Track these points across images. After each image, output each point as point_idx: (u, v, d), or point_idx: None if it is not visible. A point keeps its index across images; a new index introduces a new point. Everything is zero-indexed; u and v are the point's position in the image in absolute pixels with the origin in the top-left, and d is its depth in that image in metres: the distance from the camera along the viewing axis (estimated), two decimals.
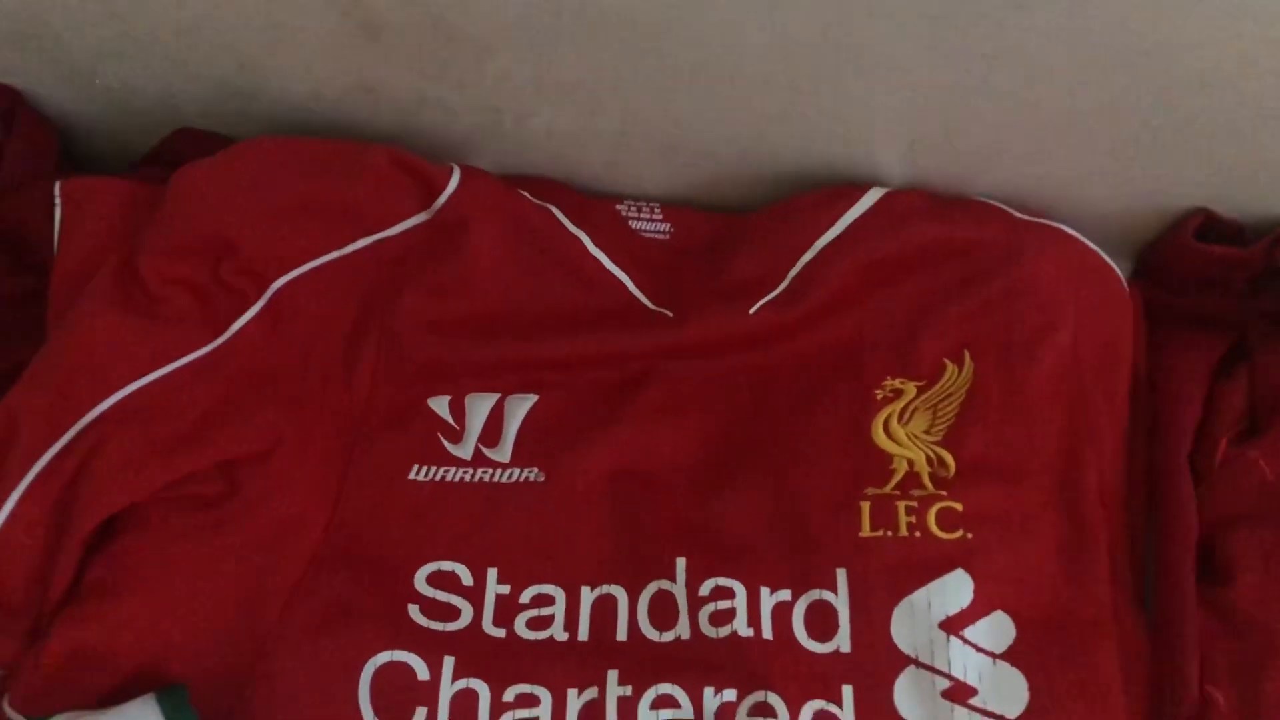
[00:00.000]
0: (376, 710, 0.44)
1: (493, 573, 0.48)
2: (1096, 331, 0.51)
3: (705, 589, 0.47)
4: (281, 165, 0.51)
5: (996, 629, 0.45)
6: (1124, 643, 0.46)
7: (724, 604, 0.46)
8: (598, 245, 0.54)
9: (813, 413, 0.50)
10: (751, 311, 0.52)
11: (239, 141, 0.52)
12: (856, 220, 0.53)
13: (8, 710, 0.44)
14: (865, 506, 0.47)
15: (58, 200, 0.51)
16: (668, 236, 0.57)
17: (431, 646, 0.46)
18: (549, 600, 0.47)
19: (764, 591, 0.46)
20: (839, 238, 0.52)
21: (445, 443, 0.50)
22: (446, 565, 0.48)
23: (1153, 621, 0.47)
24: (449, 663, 0.45)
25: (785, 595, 0.46)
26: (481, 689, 0.45)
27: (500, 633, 0.46)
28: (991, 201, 0.54)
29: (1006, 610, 0.46)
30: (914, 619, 0.45)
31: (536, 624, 0.47)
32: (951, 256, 0.52)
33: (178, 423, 0.47)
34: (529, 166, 0.57)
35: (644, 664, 0.45)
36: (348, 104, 0.54)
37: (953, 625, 0.45)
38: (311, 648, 0.45)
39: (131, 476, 0.46)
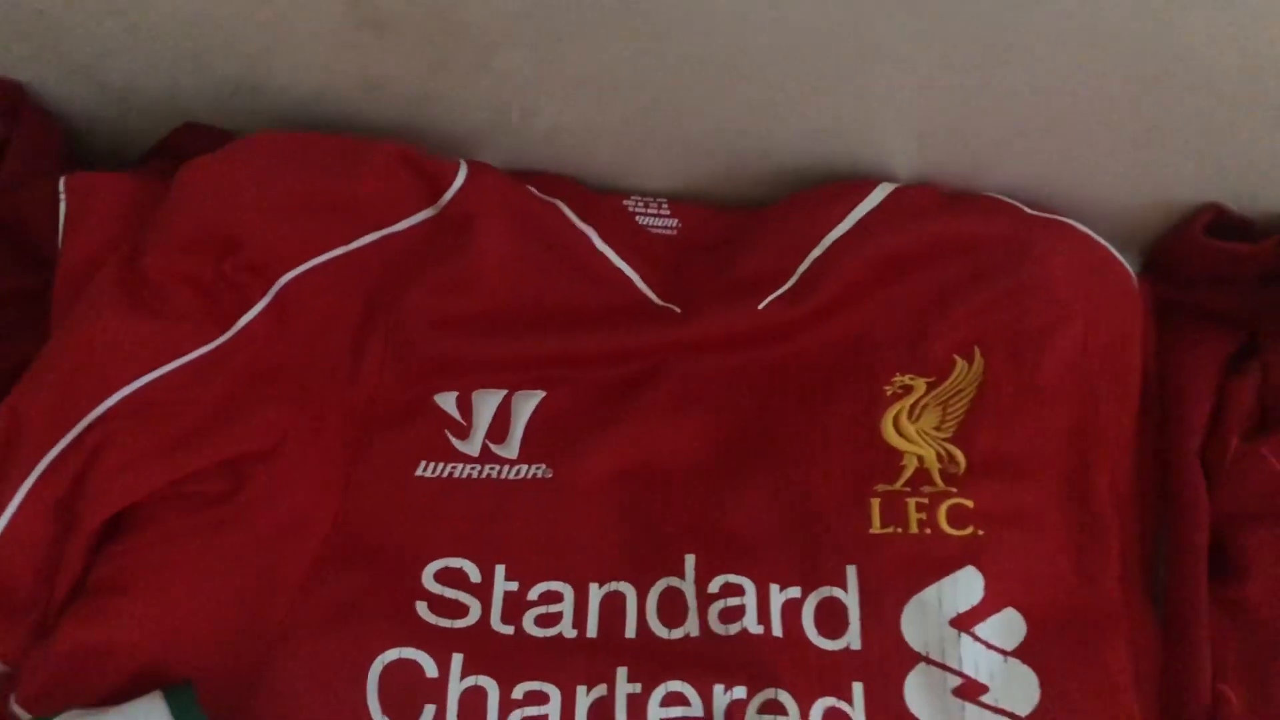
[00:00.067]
0: (384, 708, 0.44)
1: (500, 570, 0.47)
2: (1106, 328, 0.51)
3: (714, 586, 0.46)
4: (287, 161, 0.51)
5: (1007, 626, 0.45)
6: (1135, 640, 0.45)
7: (733, 601, 0.46)
8: (605, 241, 0.54)
9: (822, 409, 0.50)
10: (760, 307, 0.51)
11: (244, 137, 0.52)
12: (866, 216, 0.53)
13: (13, 708, 0.43)
14: (875, 503, 0.47)
15: (62, 196, 0.51)
16: (675, 232, 0.57)
17: (439, 644, 0.45)
18: (557, 597, 0.47)
19: (774, 588, 0.46)
20: (848, 233, 0.52)
21: (452, 439, 0.50)
22: (454, 562, 0.47)
23: (1164, 619, 0.46)
24: (457, 660, 0.45)
25: (795, 592, 0.46)
26: (490, 686, 0.45)
27: (508, 630, 0.46)
28: (1001, 197, 0.54)
29: (1017, 607, 0.45)
30: (924, 616, 0.45)
31: (545, 621, 0.46)
32: (961, 252, 0.51)
33: (183, 420, 0.47)
34: (535, 162, 0.57)
35: (653, 661, 0.45)
36: (353, 99, 0.54)
37: (963, 622, 0.45)
38: (319, 645, 0.45)
39: (136, 474, 0.45)
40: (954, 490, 0.47)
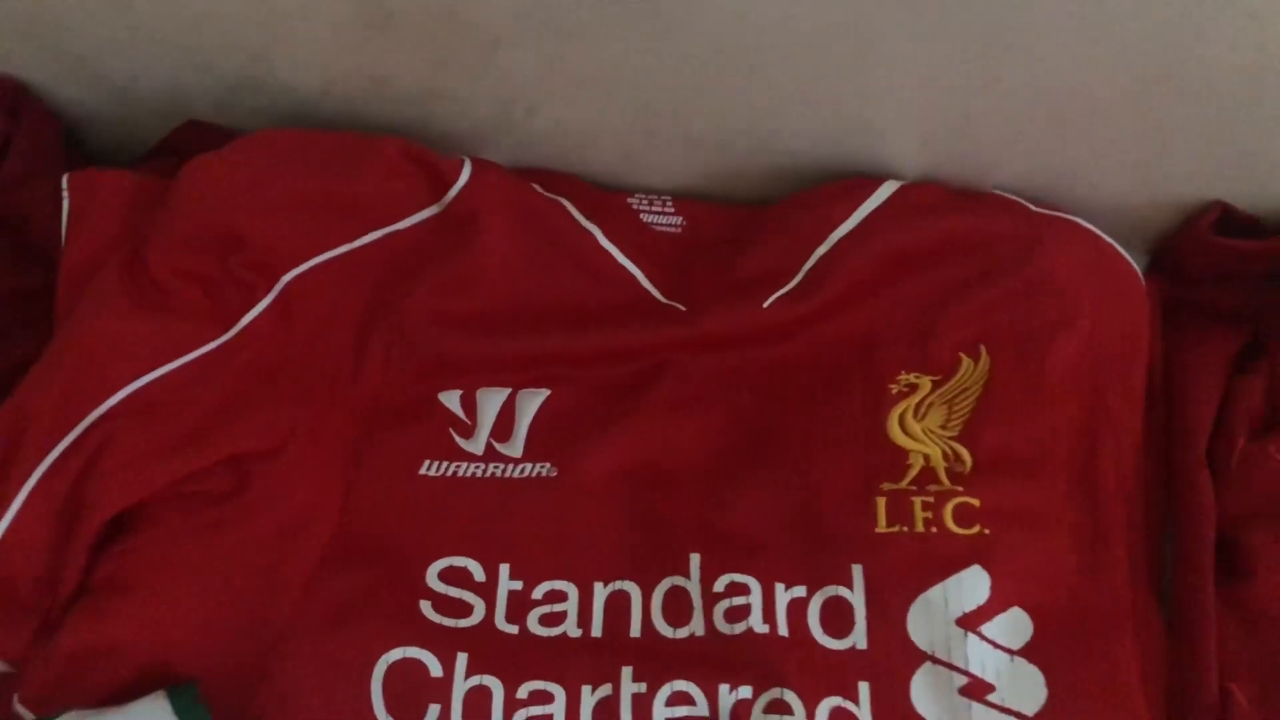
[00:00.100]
0: (389, 707, 0.44)
1: (505, 569, 0.47)
2: (1113, 326, 0.50)
3: (720, 585, 0.46)
4: (291, 158, 0.51)
5: (1014, 625, 0.45)
6: (1142, 639, 0.45)
7: (739, 600, 0.46)
8: (609, 239, 0.54)
9: (827, 407, 0.50)
10: (765, 305, 0.51)
11: (247, 134, 0.52)
12: (872, 213, 0.52)
13: (17, 708, 0.43)
14: (881, 502, 0.47)
15: (65, 193, 0.51)
16: (680, 230, 0.56)
17: (444, 643, 0.45)
18: (562, 596, 0.47)
19: (779, 588, 0.46)
20: (854, 231, 0.52)
21: (456, 437, 0.50)
22: (458, 561, 0.47)
23: (1172, 618, 0.46)
24: (462, 659, 0.45)
25: (800, 591, 0.46)
26: (495, 686, 0.45)
27: (513, 629, 0.46)
28: (1007, 195, 0.54)
29: (1024, 606, 0.45)
30: (931, 615, 0.45)
31: (549, 620, 0.46)
32: (967, 250, 0.51)
33: (186, 418, 0.47)
34: (540, 159, 0.56)
35: (658, 661, 0.45)
36: (357, 96, 0.54)
37: (970, 621, 0.45)
38: (323, 644, 0.45)
39: (140, 472, 0.45)
40: (960, 489, 0.47)
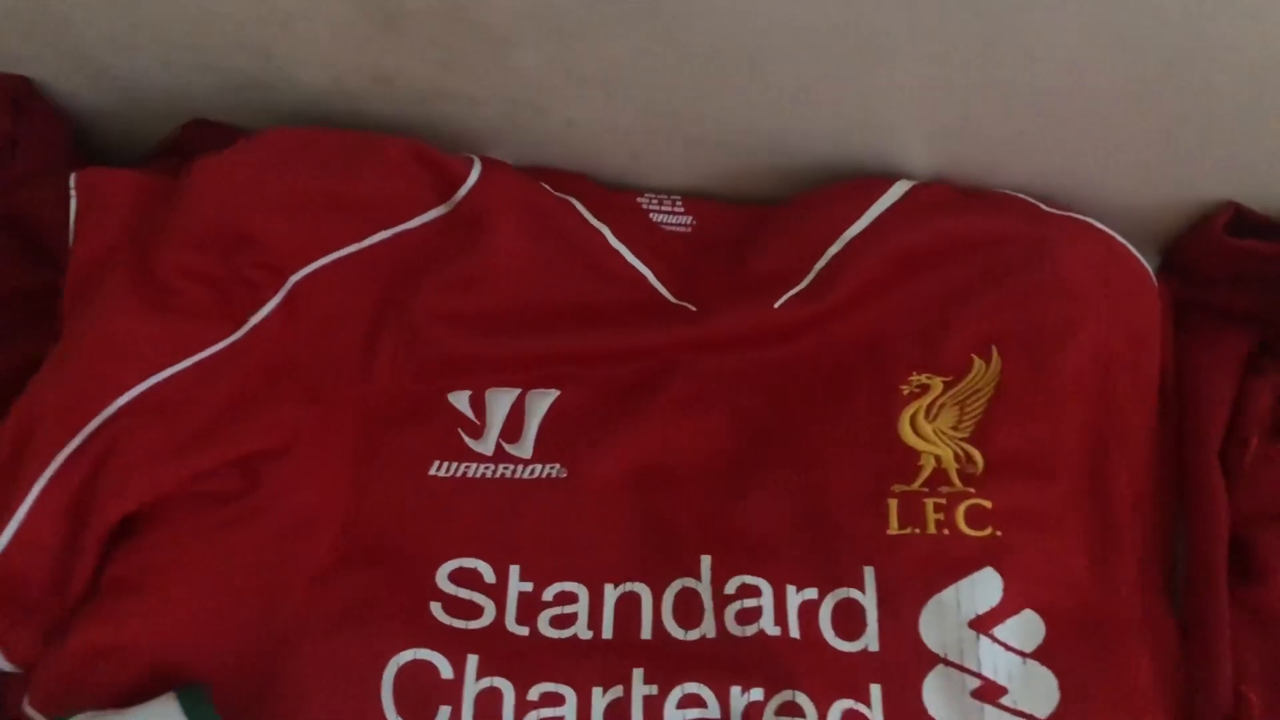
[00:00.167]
0: (399, 709, 0.44)
1: (515, 570, 0.47)
2: (1125, 326, 0.50)
3: (731, 587, 0.46)
4: (299, 157, 0.51)
5: (1026, 628, 0.45)
6: (1155, 641, 0.45)
7: (750, 602, 0.46)
8: (619, 238, 0.53)
9: (838, 408, 0.49)
10: (776, 306, 0.51)
11: (254, 133, 0.52)
12: (883, 213, 0.52)
13: (27, 709, 0.43)
14: (893, 504, 0.47)
15: (73, 192, 0.50)
16: (689, 229, 0.56)
17: (454, 645, 0.45)
18: (572, 598, 0.47)
19: (790, 590, 0.46)
20: (865, 231, 0.52)
21: (466, 438, 0.50)
22: (468, 562, 0.47)
23: (1185, 620, 0.46)
24: (472, 661, 0.45)
25: (812, 593, 0.46)
26: (505, 688, 0.44)
27: (523, 631, 0.46)
28: (1019, 195, 0.54)
29: (1036, 609, 0.45)
30: (943, 618, 0.45)
31: (560, 622, 0.46)
32: (979, 250, 0.51)
33: (195, 418, 0.47)
34: (549, 158, 0.56)
35: (669, 663, 0.45)
36: (365, 95, 0.54)
37: (982, 624, 0.45)
38: (333, 645, 0.45)
39: (149, 473, 0.45)
40: (972, 490, 0.47)
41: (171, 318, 0.48)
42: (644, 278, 0.53)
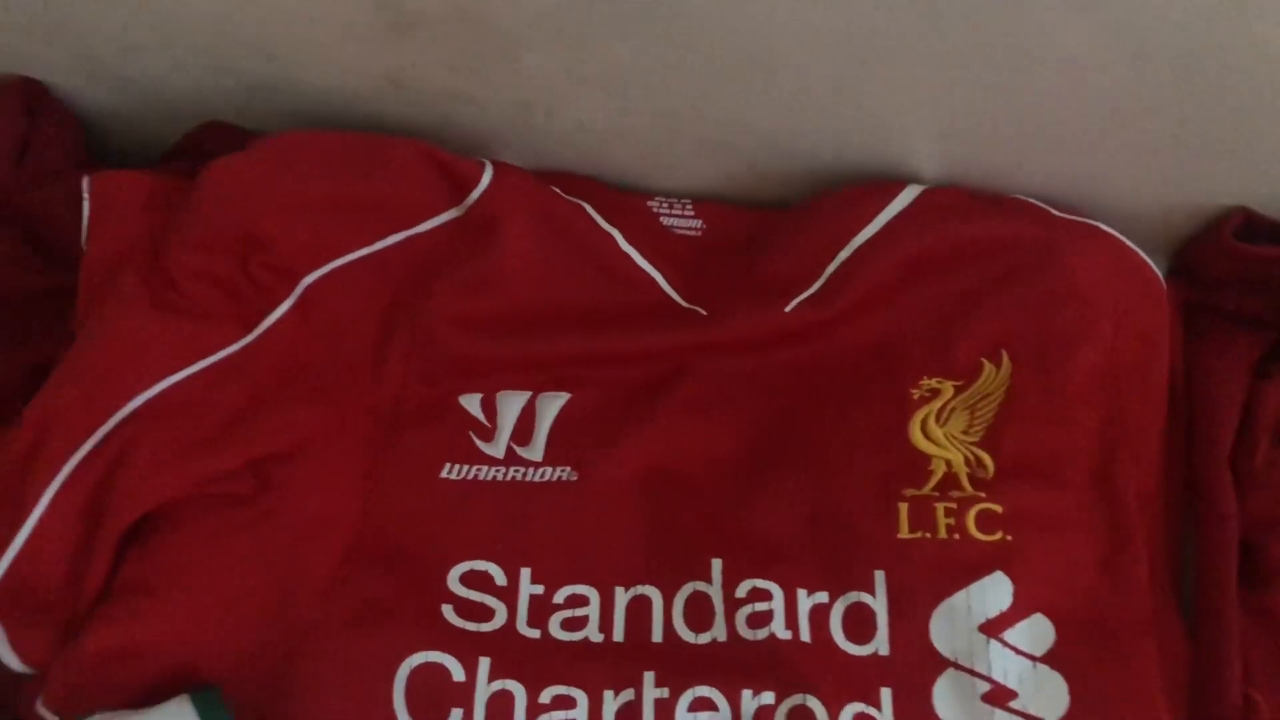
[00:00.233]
0: (412, 712, 0.44)
1: (526, 573, 0.47)
2: (1134, 331, 0.50)
3: (742, 591, 0.46)
4: (312, 160, 0.51)
5: (1036, 631, 0.45)
6: (1164, 645, 0.45)
7: (761, 606, 0.46)
8: (629, 242, 0.54)
9: (849, 413, 0.49)
10: (787, 310, 0.51)
11: (267, 135, 0.52)
12: (894, 218, 0.52)
13: (41, 710, 0.43)
14: (903, 508, 0.47)
15: (86, 195, 0.50)
16: (699, 233, 0.56)
17: (466, 647, 0.45)
18: (583, 601, 0.47)
19: (801, 593, 0.46)
20: (876, 235, 0.52)
21: (477, 441, 0.50)
22: (479, 565, 0.47)
23: (1194, 624, 0.46)
24: (484, 664, 0.45)
25: (823, 597, 0.46)
26: (517, 690, 0.45)
27: (535, 633, 0.46)
28: (1029, 199, 0.54)
29: (1046, 613, 0.45)
30: (953, 621, 0.45)
31: (571, 625, 0.46)
32: (989, 255, 0.51)
33: (209, 421, 0.47)
34: (560, 162, 0.56)
35: (681, 666, 0.45)
36: (378, 98, 0.54)
37: (992, 628, 0.45)
38: (345, 647, 0.45)
39: (163, 475, 0.45)
40: (982, 495, 0.47)
41: (184, 320, 0.48)
42: (654, 281, 0.53)
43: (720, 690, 0.44)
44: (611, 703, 0.45)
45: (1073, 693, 0.44)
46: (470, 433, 0.50)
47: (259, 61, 0.53)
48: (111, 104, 0.57)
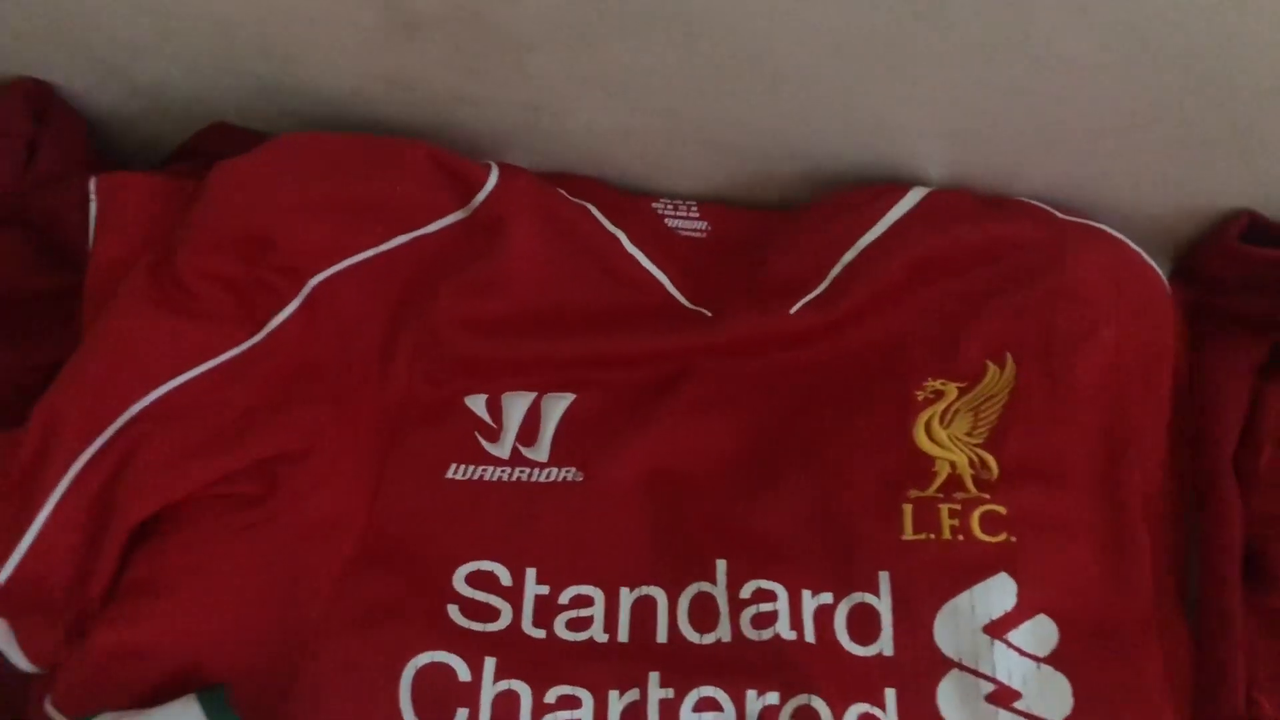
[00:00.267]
0: (418, 711, 0.44)
1: (531, 573, 0.47)
2: (1138, 334, 0.50)
3: (746, 591, 0.46)
4: (319, 161, 0.51)
5: (1040, 632, 0.45)
6: (1168, 647, 0.45)
7: (766, 606, 0.46)
8: (634, 243, 0.54)
9: (853, 414, 0.50)
10: (792, 311, 0.51)
11: (274, 137, 0.52)
12: (899, 220, 0.52)
13: (49, 710, 0.44)
14: (908, 509, 0.47)
15: (93, 196, 0.51)
16: (704, 234, 0.57)
17: (472, 647, 0.45)
18: (588, 601, 0.47)
19: (805, 594, 0.46)
20: (881, 237, 0.52)
21: (482, 441, 0.50)
22: (485, 565, 0.47)
23: (1198, 626, 0.46)
24: (490, 664, 0.45)
25: (827, 598, 0.46)
26: (523, 690, 0.45)
27: (540, 634, 0.46)
28: (1034, 201, 0.54)
29: (1050, 614, 0.45)
30: (957, 622, 0.45)
31: (576, 625, 0.46)
32: (994, 257, 0.51)
33: (216, 421, 0.47)
34: (565, 163, 0.57)
35: (685, 666, 0.45)
36: (385, 100, 0.54)
37: (996, 629, 0.45)
38: (351, 647, 0.45)
39: (170, 475, 0.46)
40: (987, 496, 0.47)
41: (191, 321, 0.48)
42: (659, 283, 0.53)
43: (725, 690, 0.44)
44: (616, 703, 0.45)
45: (1077, 694, 0.44)
46: (476, 433, 0.50)
47: (266, 63, 0.53)
48: (119, 105, 0.57)
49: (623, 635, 0.46)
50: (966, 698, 0.44)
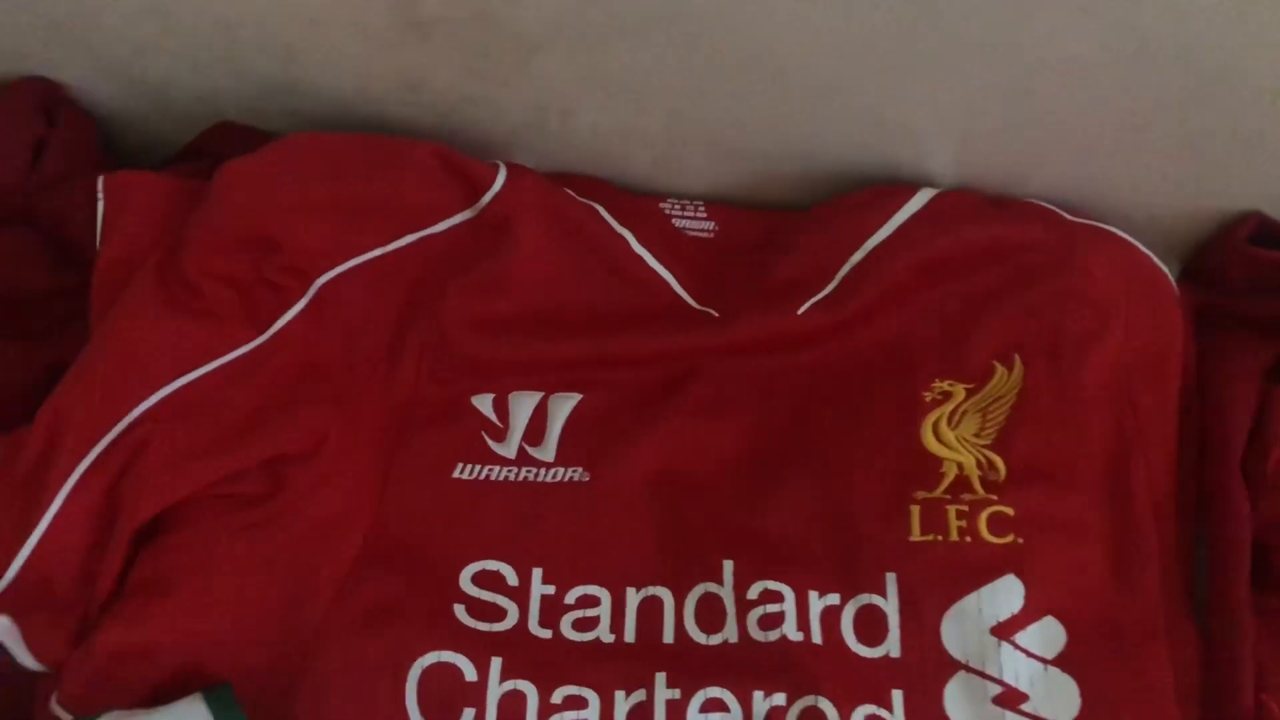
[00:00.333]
0: (424, 711, 0.44)
1: (538, 573, 0.47)
2: (1146, 335, 0.50)
3: (753, 592, 0.46)
4: (326, 161, 0.51)
5: (1048, 634, 0.45)
6: (1176, 649, 0.45)
7: (773, 608, 0.46)
8: (642, 243, 0.54)
9: (861, 415, 0.50)
10: (799, 312, 0.51)
11: (280, 137, 0.52)
12: (907, 221, 0.52)
13: (55, 709, 0.44)
14: (915, 510, 0.47)
15: (100, 195, 0.51)
16: (712, 235, 0.57)
17: (478, 647, 0.45)
18: (594, 601, 0.47)
19: (813, 595, 0.46)
20: (889, 238, 0.52)
21: (489, 441, 0.50)
22: (491, 565, 0.47)
23: (1206, 628, 0.46)
24: (496, 664, 0.45)
25: (834, 599, 0.46)
26: (529, 690, 0.45)
27: (546, 634, 0.46)
28: (1042, 203, 0.54)
29: (1058, 615, 0.45)
30: (964, 624, 0.45)
31: (582, 625, 0.46)
32: (1002, 258, 0.51)
33: (222, 420, 0.47)
34: (572, 164, 0.57)
35: (692, 667, 0.45)
36: (392, 100, 0.54)
37: (1004, 631, 0.45)
38: (358, 647, 0.45)
39: (176, 475, 0.46)
40: (994, 498, 0.47)
41: (198, 320, 0.48)
42: (666, 283, 0.53)
43: (732, 691, 0.44)
44: (623, 703, 0.45)
45: (1084, 695, 0.44)
46: (482, 433, 0.50)
47: (273, 63, 0.53)
48: (127, 105, 0.57)
49: (629, 636, 0.46)
50: (974, 699, 0.44)
